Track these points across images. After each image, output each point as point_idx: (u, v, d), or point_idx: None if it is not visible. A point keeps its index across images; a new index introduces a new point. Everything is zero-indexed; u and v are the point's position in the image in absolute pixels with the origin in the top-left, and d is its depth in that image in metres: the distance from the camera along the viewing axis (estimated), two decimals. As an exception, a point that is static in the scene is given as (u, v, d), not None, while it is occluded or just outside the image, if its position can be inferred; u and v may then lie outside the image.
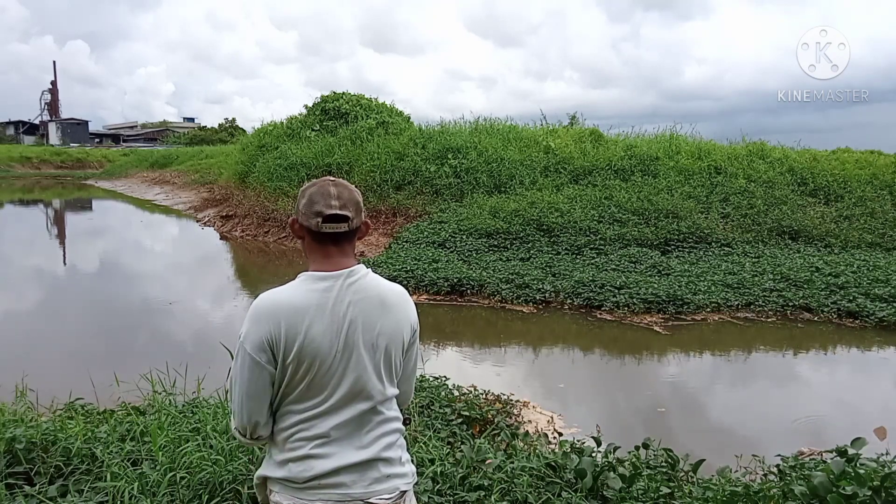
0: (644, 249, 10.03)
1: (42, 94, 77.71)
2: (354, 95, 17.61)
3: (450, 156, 13.52)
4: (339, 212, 1.48)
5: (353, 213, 1.50)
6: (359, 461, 1.51)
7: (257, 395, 1.49)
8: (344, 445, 1.50)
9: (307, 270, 1.54)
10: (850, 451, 2.66)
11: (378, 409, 1.55)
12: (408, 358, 1.65)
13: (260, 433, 1.53)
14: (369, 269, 1.57)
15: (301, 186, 1.62)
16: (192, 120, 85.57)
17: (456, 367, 6.15)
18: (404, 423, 1.66)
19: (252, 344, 1.46)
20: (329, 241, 1.51)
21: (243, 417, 1.51)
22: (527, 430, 4.26)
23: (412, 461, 1.68)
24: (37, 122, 75.58)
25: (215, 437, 3.09)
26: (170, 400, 3.88)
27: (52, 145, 62.88)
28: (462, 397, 4.49)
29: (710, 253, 10.18)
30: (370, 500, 1.50)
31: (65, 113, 77.64)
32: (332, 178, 1.55)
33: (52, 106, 76.83)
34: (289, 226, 1.60)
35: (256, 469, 2.82)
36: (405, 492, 1.58)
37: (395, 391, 1.60)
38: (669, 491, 2.86)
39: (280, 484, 1.52)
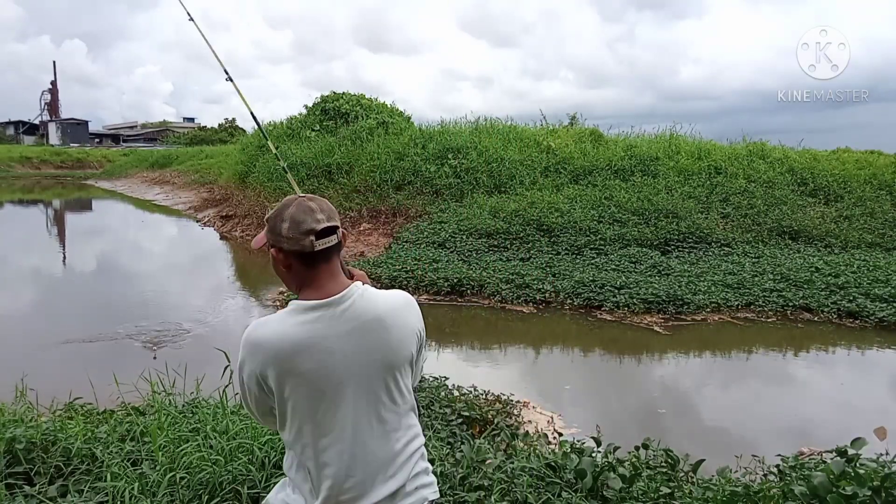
0: (644, 249, 10.03)
1: (42, 94, 77.68)
2: (355, 95, 17.61)
3: (450, 156, 13.52)
4: (329, 224, 1.40)
5: (338, 222, 1.44)
6: (391, 492, 1.45)
7: (264, 412, 1.49)
8: (367, 484, 1.43)
9: (296, 299, 1.44)
10: (850, 452, 2.66)
11: (396, 431, 1.49)
12: (417, 364, 1.57)
13: None
14: (365, 286, 1.47)
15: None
16: (191, 120, 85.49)
17: (456, 367, 6.14)
18: None
19: (247, 375, 1.43)
20: (321, 260, 1.41)
21: (261, 421, 1.54)
22: (527, 431, 4.26)
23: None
24: (37, 122, 75.52)
25: (215, 438, 3.09)
26: (169, 400, 3.89)
27: (52, 145, 62.82)
28: (462, 397, 4.49)
29: (710, 253, 10.18)
30: None
31: (64, 113, 77.62)
32: (302, 195, 1.46)
33: (52, 106, 76.75)
34: (271, 258, 1.45)
35: (257, 471, 2.82)
36: (433, 501, 1.55)
37: (410, 404, 1.53)
38: (669, 491, 2.86)
39: None
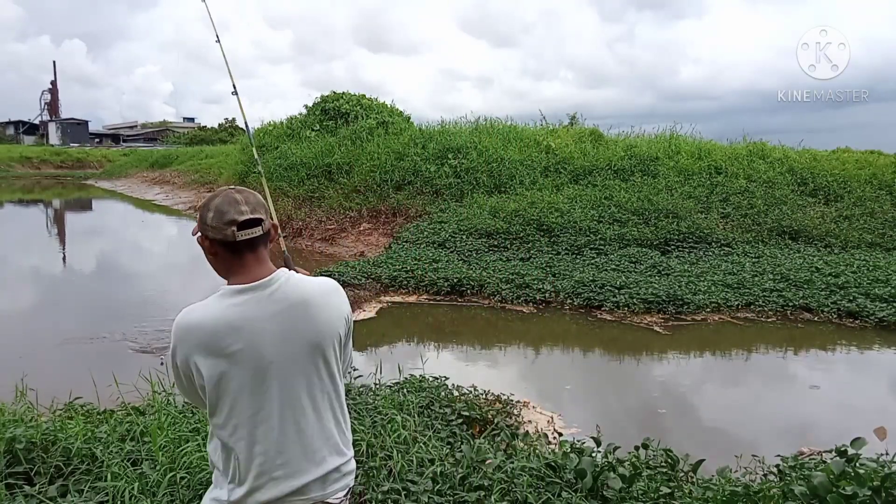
0: (644, 249, 10.03)
1: (42, 93, 77.53)
2: (355, 95, 17.64)
3: (450, 156, 13.53)
4: (252, 216, 1.45)
5: (263, 215, 1.49)
6: (319, 476, 1.49)
7: (194, 399, 1.55)
8: (298, 462, 1.47)
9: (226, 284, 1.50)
10: (850, 451, 2.66)
11: (326, 412, 1.53)
12: (345, 349, 1.61)
13: None
14: (291, 272, 1.53)
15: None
16: (191, 120, 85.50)
17: (456, 367, 6.14)
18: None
19: (180, 360, 1.47)
20: (246, 250, 1.47)
21: (197, 404, 1.58)
22: (527, 431, 4.26)
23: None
24: (37, 122, 75.47)
25: (215, 438, 3.08)
26: (169, 400, 3.89)
27: (52, 145, 62.79)
28: (462, 397, 4.49)
29: (710, 253, 10.18)
30: (327, 501, 1.52)
31: (64, 113, 77.54)
32: (232, 187, 1.52)
33: (52, 106, 76.64)
34: (200, 245, 1.54)
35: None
36: (350, 487, 1.61)
37: (340, 388, 1.57)
38: (669, 491, 2.86)
39: None
